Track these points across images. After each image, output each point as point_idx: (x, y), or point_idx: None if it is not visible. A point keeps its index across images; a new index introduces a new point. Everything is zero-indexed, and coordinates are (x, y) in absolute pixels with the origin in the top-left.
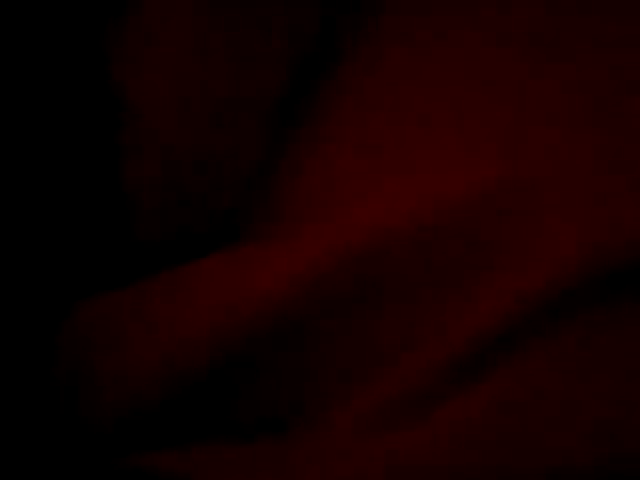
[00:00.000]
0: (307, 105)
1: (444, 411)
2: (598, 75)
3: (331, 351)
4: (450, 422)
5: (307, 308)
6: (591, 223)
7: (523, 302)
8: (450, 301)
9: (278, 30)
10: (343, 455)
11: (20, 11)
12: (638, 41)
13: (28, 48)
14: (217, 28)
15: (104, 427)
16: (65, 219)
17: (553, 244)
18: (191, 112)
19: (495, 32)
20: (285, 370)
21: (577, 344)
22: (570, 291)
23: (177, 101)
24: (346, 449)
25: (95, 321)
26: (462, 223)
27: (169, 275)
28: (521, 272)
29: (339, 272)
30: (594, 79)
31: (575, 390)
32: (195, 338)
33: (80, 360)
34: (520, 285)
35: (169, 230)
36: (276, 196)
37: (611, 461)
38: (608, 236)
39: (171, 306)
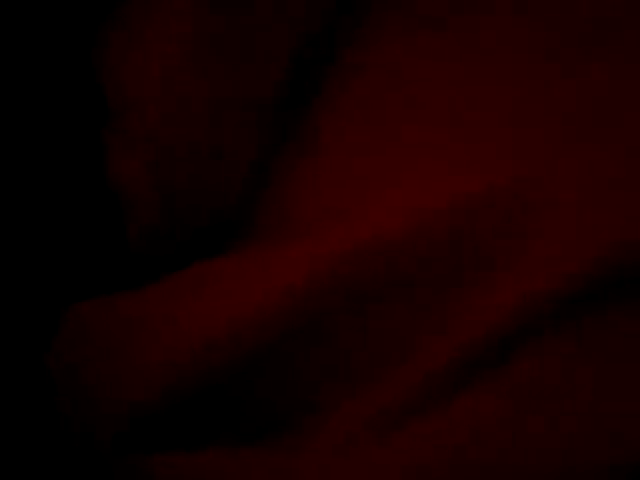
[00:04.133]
0: (304, 106)
1: (448, 411)
2: (599, 88)
3: (333, 354)
4: (454, 421)
5: (307, 314)
6: (587, 231)
7: (526, 303)
8: (453, 302)
9: (278, 27)
10: (346, 457)
11: (5, 9)
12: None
13: (13, 45)
14: (215, 25)
15: (102, 434)
16: (55, 221)
17: (551, 249)
18: (183, 110)
19: (496, 41)
20: (287, 374)
21: (577, 344)
22: (569, 293)
23: (168, 99)
24: (349, 451)
25: (92, 325)
26: (463, 228)
27: (168, 279)
28: (522, 275)
29: (338, 279)
30: (595, 92)
31: (578, 388)
32: (195, 344)
33: (77, 364)
34: (522, 287)
35: (162, 231)
36: (272, 199)
37: (611, 460)
38: (607, 243)
39: (171, 310)
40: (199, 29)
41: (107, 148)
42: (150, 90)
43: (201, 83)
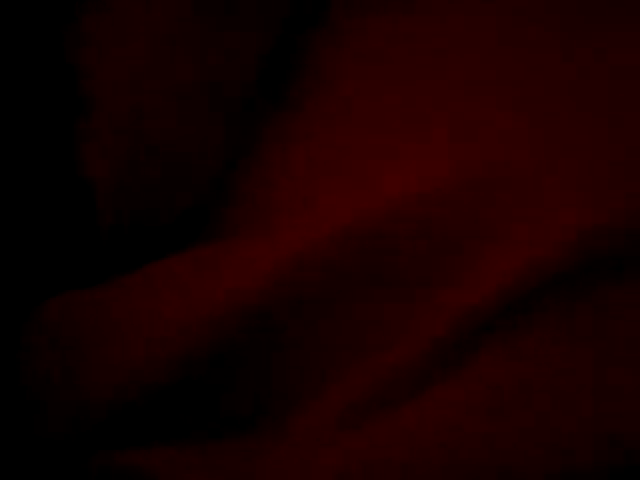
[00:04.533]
0: (278, 97)
1: (416, 405)
2: (598, 78)
3: (301, 349)
4: (420, 416)
5: (276, 306)
6: (570, 216)
7: (503, 290)
8: (423, 292)
9: (250, 19)
10: (313, 453)
11: None
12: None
13: None
14: (187, 15)
15: (68, 430)
16: (24, 213)
17: (531, 233)
18: (152, 107)
19: (495, 28)
20: (256, 368)
21: (559, 333)
22: (550, 280)
23: (140, 89)
24: (317, 446)
25: (64, 321)
26: (439, 212)
27: (140, 273)
28: (501, 260)
29: (306, 272)
30: (594, 82)
31: (562, 381)
32: (165, 338)
33: (49, 360)
34: (501, 273)
35: (131, 223)
36: (244, 192)
37: (610, 458)
38: (590, 227)
39: (141, 306)
40: (168, 26)
41: (78, 144)
42: (120, 86)
43: (170, 80)
